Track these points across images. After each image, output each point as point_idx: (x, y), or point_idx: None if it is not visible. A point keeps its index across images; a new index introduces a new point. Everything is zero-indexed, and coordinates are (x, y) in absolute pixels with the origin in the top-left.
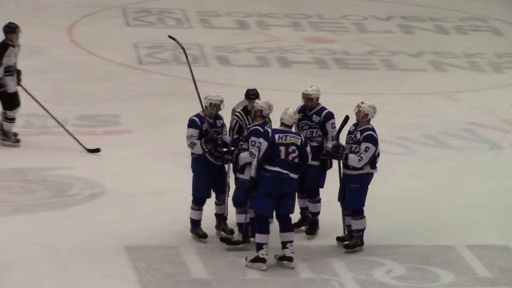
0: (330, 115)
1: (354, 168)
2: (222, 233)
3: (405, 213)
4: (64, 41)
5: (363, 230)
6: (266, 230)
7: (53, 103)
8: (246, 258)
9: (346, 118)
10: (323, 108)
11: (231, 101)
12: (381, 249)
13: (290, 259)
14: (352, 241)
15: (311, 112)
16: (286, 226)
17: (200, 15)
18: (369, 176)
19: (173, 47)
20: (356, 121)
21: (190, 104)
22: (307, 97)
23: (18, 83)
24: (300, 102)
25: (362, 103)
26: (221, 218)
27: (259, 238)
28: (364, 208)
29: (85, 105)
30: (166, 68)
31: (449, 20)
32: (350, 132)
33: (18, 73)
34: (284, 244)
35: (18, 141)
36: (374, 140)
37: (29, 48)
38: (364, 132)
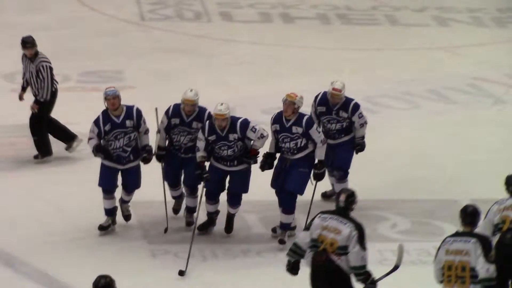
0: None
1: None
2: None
3: (410, 168)
4: None
5: None
6: None
7: (56, 60)
8: None
9: None
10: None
11: (234, 58)
12: (385, 203)
13: None
14: None
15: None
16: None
17: None
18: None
19: (175, 3)
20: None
21: (193, 60)
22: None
23: None
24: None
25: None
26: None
27: None
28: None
29: (89, 62)
30: (168, 24)
31: None
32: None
33: None
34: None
35: None
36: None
37: (32, 4)
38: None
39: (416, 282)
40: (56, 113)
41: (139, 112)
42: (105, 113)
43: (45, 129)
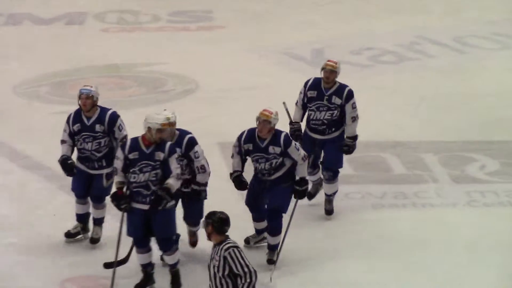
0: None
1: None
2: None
3: (498, 108)
4: None
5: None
6: None
7: (145, 0)
8: None
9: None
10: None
11: None
12: (473, 144)
13: None
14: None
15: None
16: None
17: None
18: None
19: None
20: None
21: (283, 0)
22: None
23: None
24: None
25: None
26: None
27: None
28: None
29: (178, 1)
30: None
31: None
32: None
33: None
34: None
35: None
36: None
37: None
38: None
39: (504, 222)
40: (144, 53)
41: (112, 118)
42: (77, 112)
43: None
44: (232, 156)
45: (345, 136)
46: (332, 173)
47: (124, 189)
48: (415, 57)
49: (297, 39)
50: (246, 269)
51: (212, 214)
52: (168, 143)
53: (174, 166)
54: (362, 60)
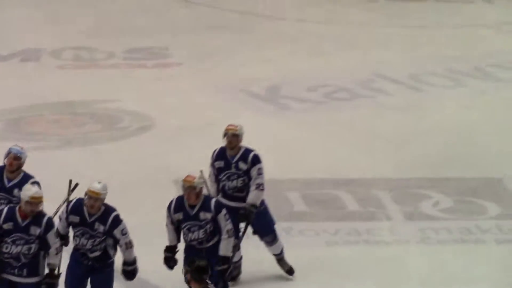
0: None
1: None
2: None
3: (453, 146)
4: None
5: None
6: None
7: (101, 37)
8: None
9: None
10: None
11: (277, 35)
12: (428, 181)
13: None
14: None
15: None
16: None
17: None
18: None
19: None
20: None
21: (238, 36)
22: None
23: None
24: None
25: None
26: None
27: None
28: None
29: (134, 38)
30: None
31: None
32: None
33: None
34: None
35: None
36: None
37: None
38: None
39: (458, 260)
40: (100, 90)
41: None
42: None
43: None
44: (167, 225)
45: (246, 201)
46: (270, 236)
47: None
48: (370, 95)
49: (253, 76)
50: None
51: (191, 262)
52: (46, 217)
53: (52, 241)
54: (317, 97)
